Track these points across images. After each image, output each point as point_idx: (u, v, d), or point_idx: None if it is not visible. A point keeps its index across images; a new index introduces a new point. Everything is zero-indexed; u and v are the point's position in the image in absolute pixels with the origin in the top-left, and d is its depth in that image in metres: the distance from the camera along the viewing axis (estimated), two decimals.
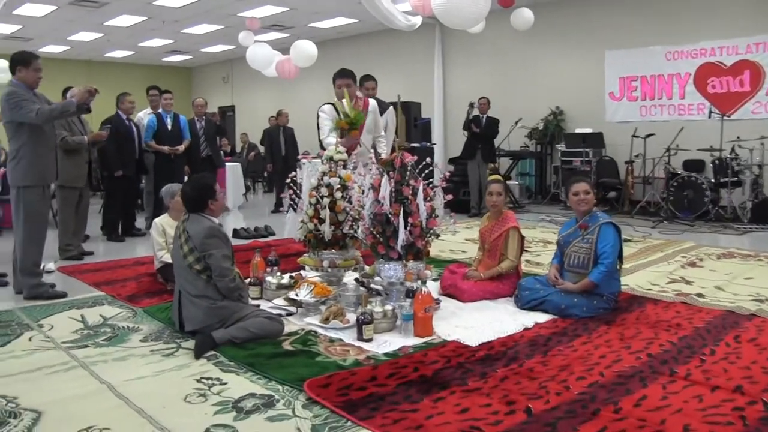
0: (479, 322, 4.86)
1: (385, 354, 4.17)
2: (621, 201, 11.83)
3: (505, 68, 14.68)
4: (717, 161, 10.58)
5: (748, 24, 11.18)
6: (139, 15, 14.67)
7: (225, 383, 3.70)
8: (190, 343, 4.30)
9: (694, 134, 11.09)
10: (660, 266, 7.05)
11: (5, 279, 6.34)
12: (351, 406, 3.32)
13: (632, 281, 6.24)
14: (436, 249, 7.71)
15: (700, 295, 5.72)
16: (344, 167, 5.56)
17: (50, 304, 5.57)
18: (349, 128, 6.13)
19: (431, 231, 5.03)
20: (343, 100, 6.18)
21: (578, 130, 12.94)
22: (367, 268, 5.42)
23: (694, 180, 10.49)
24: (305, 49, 11.40)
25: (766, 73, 11.10)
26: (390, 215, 4.87)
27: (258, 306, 4.94)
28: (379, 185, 4.91)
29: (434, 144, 14.01)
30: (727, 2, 11.44)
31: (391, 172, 4.94)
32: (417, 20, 9.58)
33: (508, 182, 12.83)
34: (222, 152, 13.41)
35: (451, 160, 13.52)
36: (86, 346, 4.40)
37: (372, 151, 6.10)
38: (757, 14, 11.12)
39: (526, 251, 7.45)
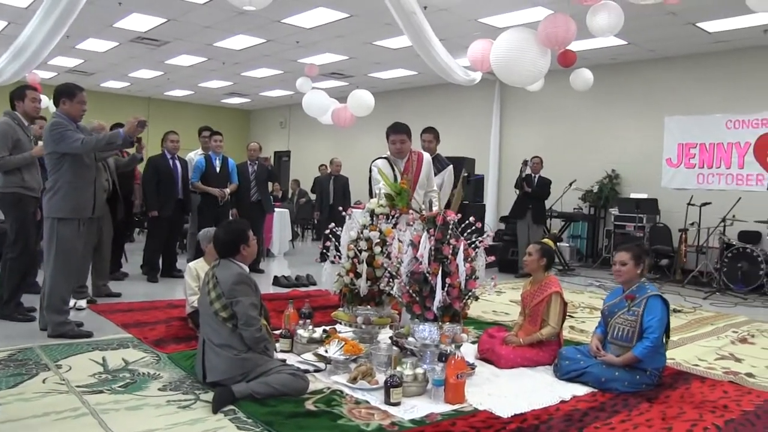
0: (514, 391, 4.65)
1: (411, 420, 3.97)
2: (673, 269, 11.48)
3: (562, 128, 14.51)
4: None
5: None
6: (199, 55, 14.80)
7: None
8: (210, 396, 4.14)
9: (752, 205, 10.83)
10: (709, 340, 6.76)
11: (33, 314, 6.22)
12: None
13: (679, 355, 5.96)
14: (478, 310, 7.52)
15: (750, 374, 5.42)
16: (386, 221, 5.41)
17: (73, 343, 5.43)
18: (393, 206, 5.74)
19: (470, 293, 4.84)
20: (381, 184, 5.79)
21: (633, 195, 12.68)
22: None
23: (750, 252, 10.22)
24: (362, 99, 11.47)
25: None
26: (428, 274, 4.70)
27: (284, 360, 4.75)
28: (419, 242, 4.75)
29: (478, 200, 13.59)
30: None
31: (431, 230, 4.78)
32: (477, 76, 9.46)
33: (559, 244, 12.65)
34: (272, 197, 13.36)
35: (503, 219, 13.33)
36: (101, 392, 4.26)
37: (424, 207, 5.82)
38: None
39: (570, 317, 7.22)
